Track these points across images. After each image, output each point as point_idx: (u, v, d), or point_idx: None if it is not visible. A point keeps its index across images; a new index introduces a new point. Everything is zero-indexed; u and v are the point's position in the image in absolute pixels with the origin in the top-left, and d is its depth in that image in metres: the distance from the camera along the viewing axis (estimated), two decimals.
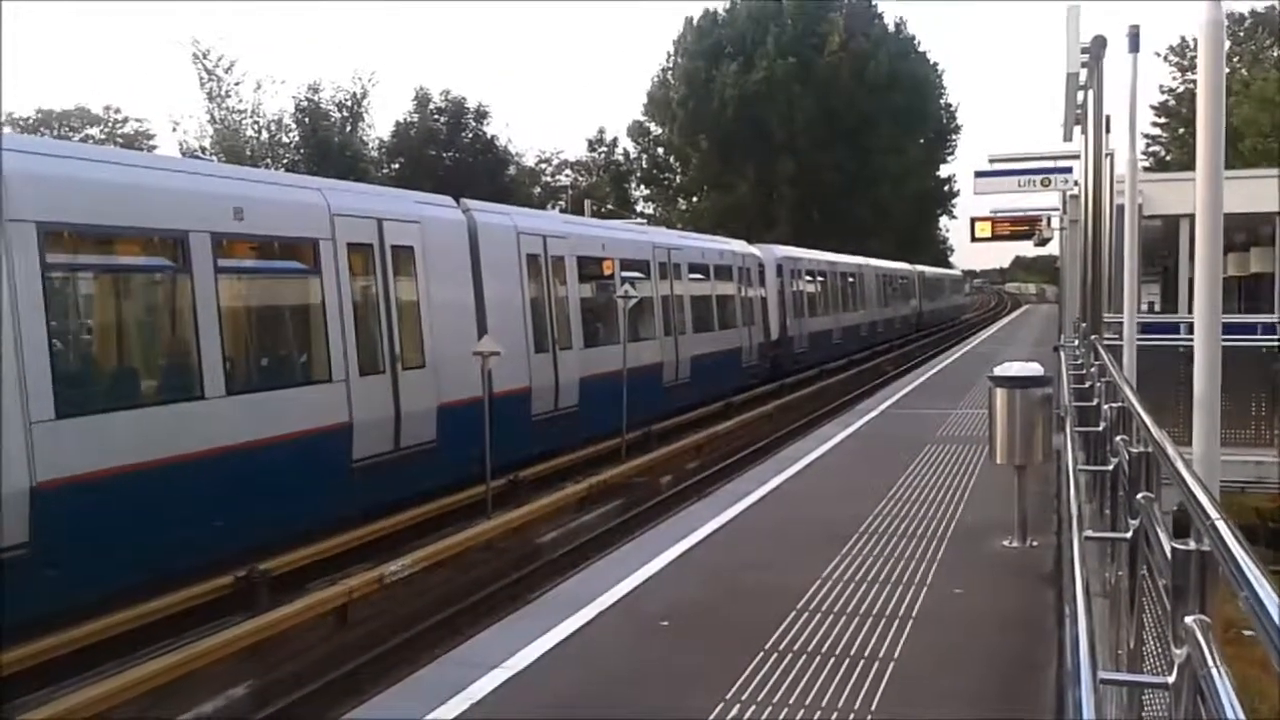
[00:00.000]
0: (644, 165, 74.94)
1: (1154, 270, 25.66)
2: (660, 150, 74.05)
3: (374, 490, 12.98)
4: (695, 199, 73.14)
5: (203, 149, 46.11)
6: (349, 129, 51.08)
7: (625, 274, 20.72)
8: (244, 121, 48.46)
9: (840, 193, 67.72)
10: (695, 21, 71.18)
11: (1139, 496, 3.77)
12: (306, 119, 49.35)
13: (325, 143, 48.38)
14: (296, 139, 49.61)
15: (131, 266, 11.13)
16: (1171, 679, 2.39)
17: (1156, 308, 25.57)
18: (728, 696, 5.93)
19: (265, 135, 49.24)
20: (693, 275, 25.43)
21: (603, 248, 20.86)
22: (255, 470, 11.02)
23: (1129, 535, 3.93)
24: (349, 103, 50.96)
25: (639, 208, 71.21)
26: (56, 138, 53.92)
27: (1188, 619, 2.26)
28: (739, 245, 30.80)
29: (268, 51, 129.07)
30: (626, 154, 74.62)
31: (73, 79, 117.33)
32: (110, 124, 66.23)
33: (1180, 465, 3.27)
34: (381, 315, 13.45)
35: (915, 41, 74.63)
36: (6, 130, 51.33)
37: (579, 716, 5.88)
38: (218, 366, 10.85)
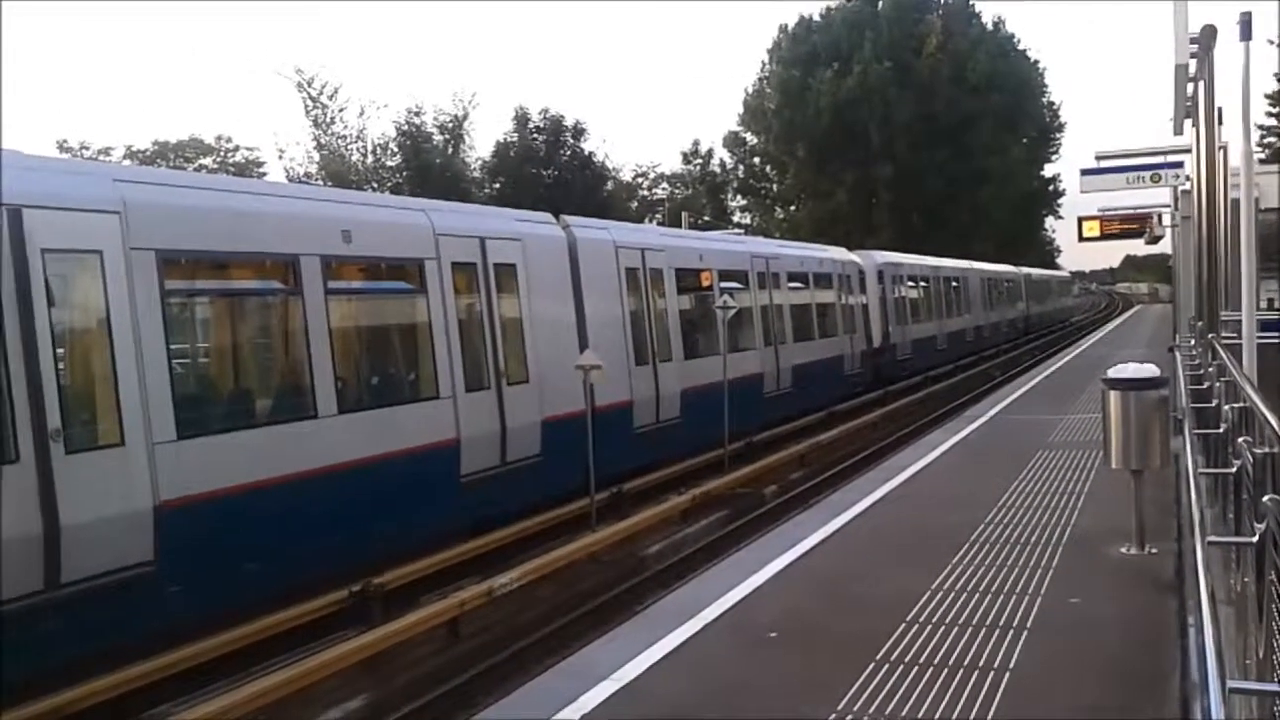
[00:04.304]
0: (740, 175, 74.74)
1: (1273, 265, 24.71)
2: (756, 160, 73.76)
3: (482, 504, 13.16)
4: (793, 207, 72.70)
5: (309, 175, 47.41)
6: (450, 150, 51.98)
7: (724, 284, 20.69)
8: (349, 146, 49.70)
9: (941, 196, 66.62)
10: (790, 29, 70.90)
11: (1265, 499, 3.64)
12: (409, 142, 50.37)
13: (427, 165, 49.32)
14: (399, 161, 50.66)
15: (245, 290, 11.50)
16: None
17: (1277, 304, 24.62)
18: (839, 707, 5.88)
19: (370, 159, 50.42)
20: (792, 284, 25.27)
21: (700, 259, 20.87)
22: (368, 487, 11.26)
23: (1255, 540, 3.80)
24: (450, 124, 51.89)
25: (736, 218, 71.10)
26: (172, 168, 55.85)
27: None
28: (838, 252, 30.52)
29: (370, 76, 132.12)
30: (723, 164, 74.57)
31: (186, 111, 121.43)
32: (222, 153, 68.37)
33: None
34: (486, 332, 13.64)
35: (1015, 40, 73.19)
36: (126, 162, 53.43)
37: None
38: (329, 386, 11.10)
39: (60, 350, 8.75)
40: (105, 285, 8.86)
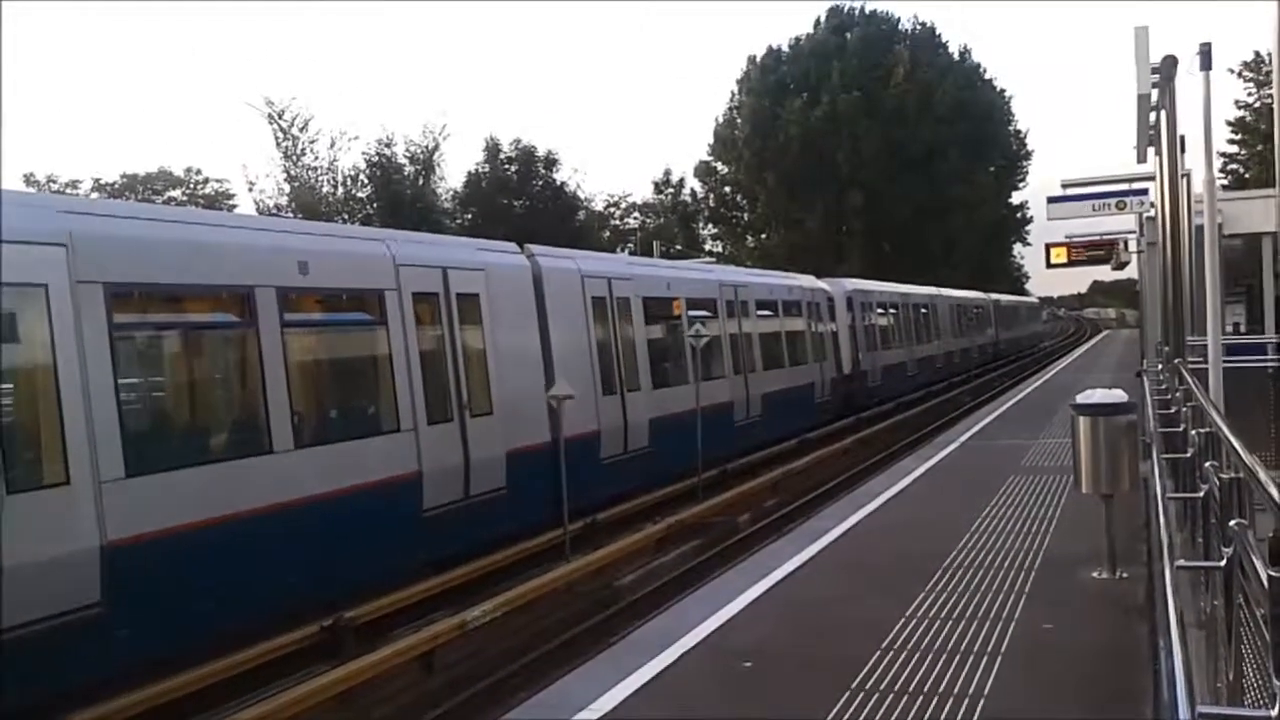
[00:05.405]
0: (711, 204, 75.02)
1: (1237, 290, 24.91)
2: (727, 189, 74.07)
3: (445, 539, 12.93)
4: (764, 236, 73.03)
5: (279, 207, 47.09)
6: (421, 181, 51.75)
7: (692, 313, 20.62)
8: (320, 178, 49.40)
9: (910, 224, 67.09)
10: (759, 59, 71.42)
11: (1232, 523, 3.57)
12: (379, 173, 50.15)
13: (398, 196, 49.06)
14: (370, 193, 50.39)
15: (198, 324, 11.24)
16: (1275, 711, 2.25)
17: (1242, 328, 24.79)
18: None
19: (340, 191, 50.11)
20: (761, 312, 25.26)
21: (668, 288, 20.80)
22: (326, 523, 11.03)
23: (1223, 564, 3.72)
24: (421, 155, 51.72)
25: (708, 247, 71.16)
26: (141, 200, 55.41)
27: None
28: (808, 280, 30.57)
29: (341, 108, 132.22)
30: (694, 194, 74.83)
31: (155, 143, 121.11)
32: (191, 185, 67.98)
33: (1274, 490, 3.09)
34: (448, 363, 13.47)
35: (981, 70, 74.05)
36: (94, 195, 53.04)
37: None
38: (285, 420, 10.89)
39: (3, 386, 8.54)
40: (50, 320, 8.64)
